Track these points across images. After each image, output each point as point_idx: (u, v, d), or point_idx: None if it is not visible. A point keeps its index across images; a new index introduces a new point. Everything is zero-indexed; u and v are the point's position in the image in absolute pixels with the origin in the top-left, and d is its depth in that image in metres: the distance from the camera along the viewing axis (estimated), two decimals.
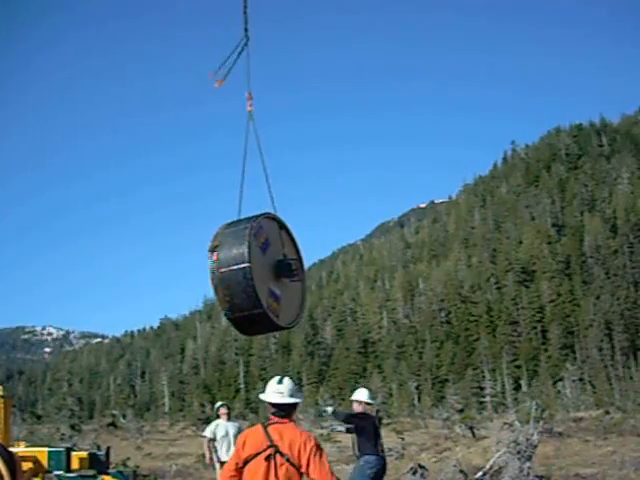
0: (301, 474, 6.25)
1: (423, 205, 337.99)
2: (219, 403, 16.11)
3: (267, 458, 6.27)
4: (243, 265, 9.12)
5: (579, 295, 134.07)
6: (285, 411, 6.66)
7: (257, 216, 9.84)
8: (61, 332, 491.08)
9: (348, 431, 13.43)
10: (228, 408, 15.81)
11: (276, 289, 9.80)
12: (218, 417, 15.57)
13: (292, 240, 10.74)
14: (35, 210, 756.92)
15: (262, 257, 9.58)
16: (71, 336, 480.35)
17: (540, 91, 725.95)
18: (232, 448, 14.39)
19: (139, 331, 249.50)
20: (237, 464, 6.42)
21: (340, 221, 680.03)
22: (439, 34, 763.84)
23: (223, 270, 9.20)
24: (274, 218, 10.45)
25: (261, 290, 9.21)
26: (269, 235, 9.95)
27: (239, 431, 15.15)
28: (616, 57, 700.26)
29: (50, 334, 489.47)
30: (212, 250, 9.34)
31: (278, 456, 6.26)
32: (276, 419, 6.57)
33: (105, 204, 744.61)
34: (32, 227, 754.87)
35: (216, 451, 15.23)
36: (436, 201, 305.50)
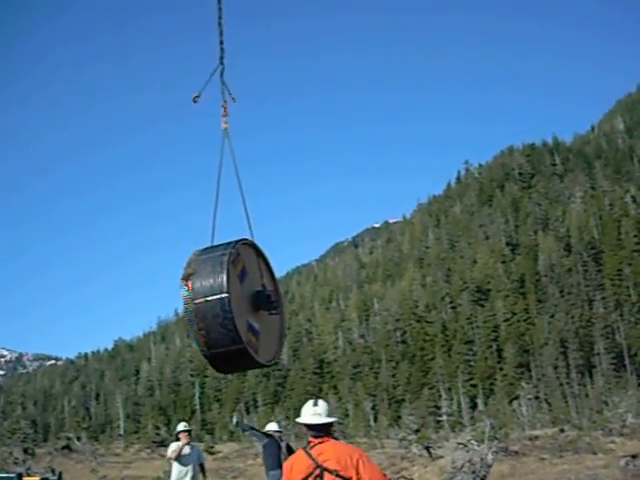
0: None
1: (377, 225, 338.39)
2: (181, 427, 15.34)
3: (316, 479, 6.43)
4: (221, 296, 8.50)
5: (534, 314, 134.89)
6: (323, 431, 6.81)
7: (235, 242, 9.25)
8: (14, 354, 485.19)
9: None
10: (190, 433, 15.26)
11: (255, 323, 9.21)
12: (178, 439, 15.04)
13: (269, 270, 10.24)
14: None
15: (240, 287, 8.99)
16: (24, 358, 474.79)
17: (493, 111, 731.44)
18: (190, 471, 14.50)
19: (93, 353, 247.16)
20: None
21: (294, 241, 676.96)
22: (392, 46, 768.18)
23: (198, 301, 8.54)
24: (252, 245, 9.97)
25: (240, 324, 8.60)
26: (246, 263, 9.35)
27: (199, 456, 15.12)
28: (568, 77, 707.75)
29: (3, 356, 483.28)
30: (185, 278, 8.66)
31: (326, 474, 6.40)
32: (316, 440, 6.72)
33: (59, 224, 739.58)
34: None
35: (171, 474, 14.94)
36: (390, 221, 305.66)
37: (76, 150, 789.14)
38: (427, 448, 30.28)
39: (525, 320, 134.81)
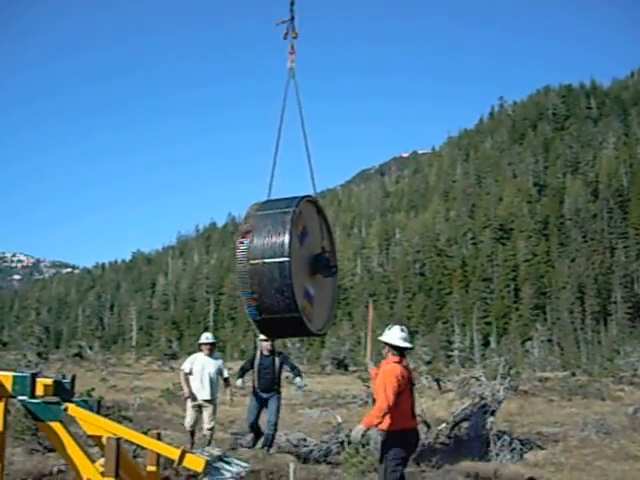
0: None
1: (405, 155, 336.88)
2: (205, 337, 14.28)
3: (408, 386, 8.53)
4: (281, 259, 8.24)
5: (554, 256, 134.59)
6: (404, 352, 8.69)
7: (299, 199, 8.91)
8: (31, 260, 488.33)
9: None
10: (212, 344, 14.12)
11: (311, 288, 8.80)
12: (201, 350, 14.05)
13: (329, 228, 9.76)
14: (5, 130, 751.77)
15: (300, 250, 8.70)
16: (41, 264, 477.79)
17: (533, 48, 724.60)
18: (207, 385, 13.57)
19: (110, 263, 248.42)
20: (400, 390, 8.32)
21: (320, 165, 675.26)
22: None
23: (255, 262, 8.31)
24: (314, 202, 9.46)
25: (297, 290, 8.38)
26: (308, 223, 8.94)
27: (220, 370, 13.95)
28: (611, 21, 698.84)
29: (20, 261, 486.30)
30: (243, 235, 8.47)
31: (409, 384, 8.60)
32: (398, 359, 8.57)
33: (83, 128, 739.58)
34: (8, 150, 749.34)
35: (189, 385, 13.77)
36: (419, 151, 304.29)
37: (126, 32, 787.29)
38: (437, 380, 30.26)
39: (545, 262, 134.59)
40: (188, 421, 13.79)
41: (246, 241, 8.37)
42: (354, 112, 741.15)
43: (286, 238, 8.22)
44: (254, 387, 13.47)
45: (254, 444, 13.33)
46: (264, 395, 13.39)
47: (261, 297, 8.32)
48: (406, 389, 8.39)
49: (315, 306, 8.79)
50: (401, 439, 8.47)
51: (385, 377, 8.37)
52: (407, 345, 8.58)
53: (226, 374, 14.10)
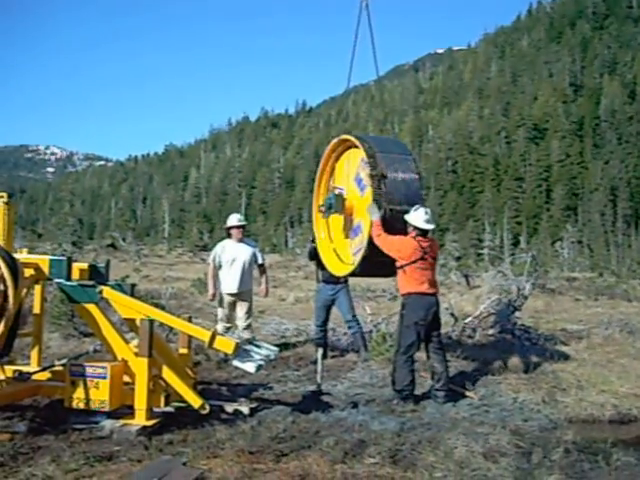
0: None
1: (440, 51, 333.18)
2: (234, 220, 12.40)
3: (422, 259, 9.04)
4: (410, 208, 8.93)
5: (588, 158, 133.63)
6: (427, 232, 9.18)
7: (404, 145, 9.81)
8: (65, 153, 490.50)
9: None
10: (243, 227, 12.44)
11: None
12: (229, 236, 12.30)
13: None
14: (44, 20, 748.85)
15: None
16: (75, 157, 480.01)
17: None
18: (241, 276, 11.87)
19: (143, 156, 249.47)
20: (409, 257, 9.03)
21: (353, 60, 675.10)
22: None
23: (397, 208, 8.89)
24: None
25: None
26: None
27: (254, 256, 12.21)
28: None
29: (54, 154, 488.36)
30: (379, 177, 8.82)
31: (428, 257, 9.11)
32: (414, 233, 9.04)
33: (119, 27, 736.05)
34: (41, 41, 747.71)
35: (219, 280, 12.06)
36: (454, 48, 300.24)
37: None
38: (466, 276, 30.51)
39: (578, 163, 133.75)
40: (222, 318, 12.07)
41: (383, 185, 8.82)
42: (389, 5, 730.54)
43: (419, 185, 9.19)
44: (318, 281, 12.16)
45: (325, 355, 10.88)
46: (330, 290, 11.95)
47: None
48: (420, 259, 9.05)
49: None
50: (416, 301, 9.10)
51: (398, 237, 9.10)
52: (430, 227, 9.13)
53: (261, 260, 12.36)
